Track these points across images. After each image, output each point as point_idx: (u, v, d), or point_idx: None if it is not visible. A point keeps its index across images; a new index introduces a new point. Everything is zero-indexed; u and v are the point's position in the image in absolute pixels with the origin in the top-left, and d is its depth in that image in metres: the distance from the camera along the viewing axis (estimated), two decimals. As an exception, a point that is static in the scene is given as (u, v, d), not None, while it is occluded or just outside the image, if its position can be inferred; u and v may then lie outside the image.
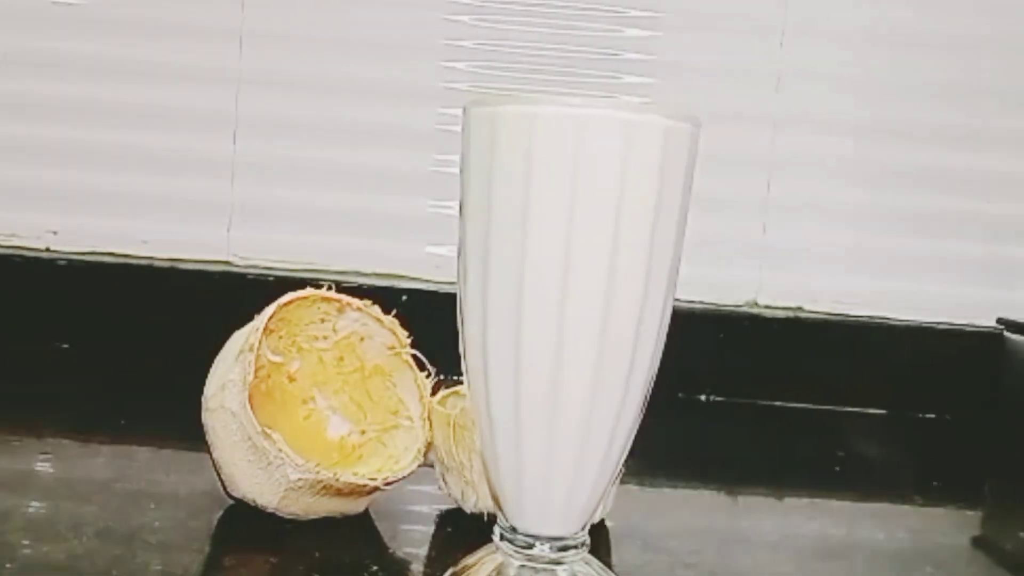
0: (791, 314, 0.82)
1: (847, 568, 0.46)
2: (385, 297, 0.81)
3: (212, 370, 0.44)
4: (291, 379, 0.47)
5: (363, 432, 0.48)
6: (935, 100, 0.82)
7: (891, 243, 0.82)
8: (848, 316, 0.82)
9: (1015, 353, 0.78)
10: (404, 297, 0.81)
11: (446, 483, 0.45)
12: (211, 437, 0.43)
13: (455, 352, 0.81)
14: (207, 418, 0.43)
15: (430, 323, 0.81)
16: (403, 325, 0.80)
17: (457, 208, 0.34)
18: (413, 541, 0.44)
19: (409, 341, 0.47)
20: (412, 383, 0.47)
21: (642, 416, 0.34)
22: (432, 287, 0.81)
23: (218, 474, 0.43)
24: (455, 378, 0.82)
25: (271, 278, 0.81)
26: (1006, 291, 0.81)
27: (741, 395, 0.81)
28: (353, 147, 0.81)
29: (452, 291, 0.80)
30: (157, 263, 0.81)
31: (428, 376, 0.47)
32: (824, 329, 0.82)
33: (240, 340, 0.43)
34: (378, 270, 0.82)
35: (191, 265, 0.82)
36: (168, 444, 0.54)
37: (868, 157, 0.82)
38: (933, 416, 0.81)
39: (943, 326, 0.82)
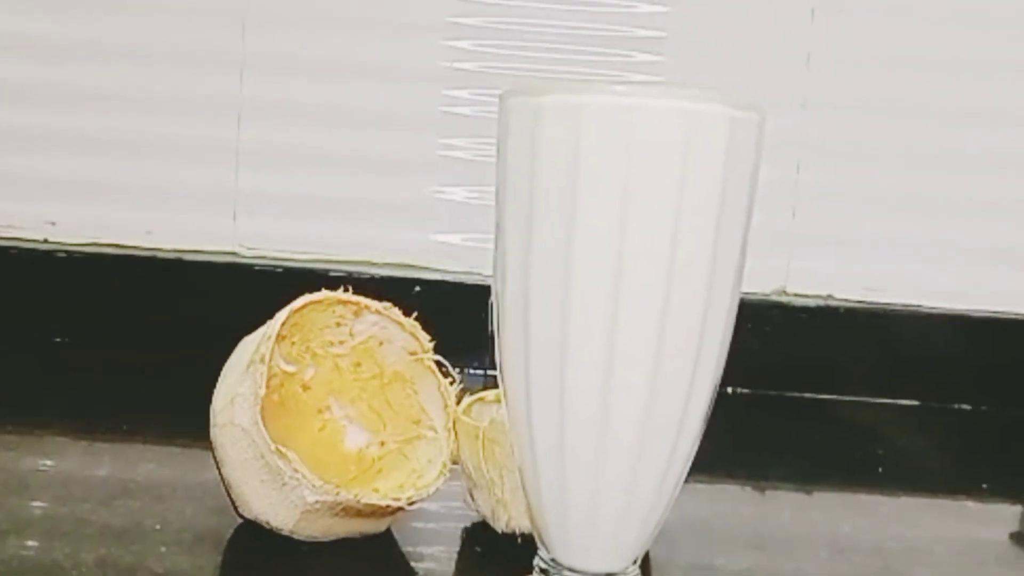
0: (821, 302, 0.79)
1: (879, 566, 0.45)
2: (398, 289, 0.80)
3: (220, 381, 0.41)
4: (305, 388, 0.44)
5: (383, 443, 0.44)
6: (973, 77, 0.78)
7: (925, 227, 0.78)
8: (879, 304, 0.79)
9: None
10: (417, 288, 0.77)
11: (474, 499, 0.42)
12: (220, 454, 0.39)
13: (471, 344, 0.78)
14: (216, 434, 0.39)
15: (444, 315, 0.78)
16: (417, 318, 0.78)
17: (493, 206, 0.31)
18: (440, 563, 0.40)
19: (432, 345, 0.44)
20: (435, 390, 0.44)
21: (701, 437, 0.31)
22: (446, 277, 0.78)
23: (228, 493, 0.40)
24: (473, 371, 0.80)
25: (279, 269, 0.78)
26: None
27: (769, 387, 0.78)
28: (359, 131, 0.78)
29: (465, 281, 0.79)
30: (161, 255, 0.78)
31: (452, 383, 0.44)
32: (854, 317, 0.79)
33: (250, 349, 0.40)
34: (389, 259, 0.79)
35: (196, 256, 0.78)
36: (173, 456, 0.51)
37: (902, 139, 0.78)
38: (968, 407, 0.77)
39: (979, 314, 0.78)
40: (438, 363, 0.44)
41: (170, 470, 0.48)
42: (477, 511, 0.42)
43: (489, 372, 0.79)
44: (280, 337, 0.41)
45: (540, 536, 0.31)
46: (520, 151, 0.29)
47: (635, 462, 0.29)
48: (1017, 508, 0.61)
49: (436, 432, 0.43)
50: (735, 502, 0.53)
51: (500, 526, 0.41)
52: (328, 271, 0.78)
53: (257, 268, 0.78)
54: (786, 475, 0.59)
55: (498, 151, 0.30)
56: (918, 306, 0.78)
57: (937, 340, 0.78)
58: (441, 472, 0.41)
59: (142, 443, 0.53)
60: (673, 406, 0.29)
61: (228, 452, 0.39)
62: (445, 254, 0.79)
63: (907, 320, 0.78)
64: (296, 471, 0.37)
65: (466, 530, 0.43)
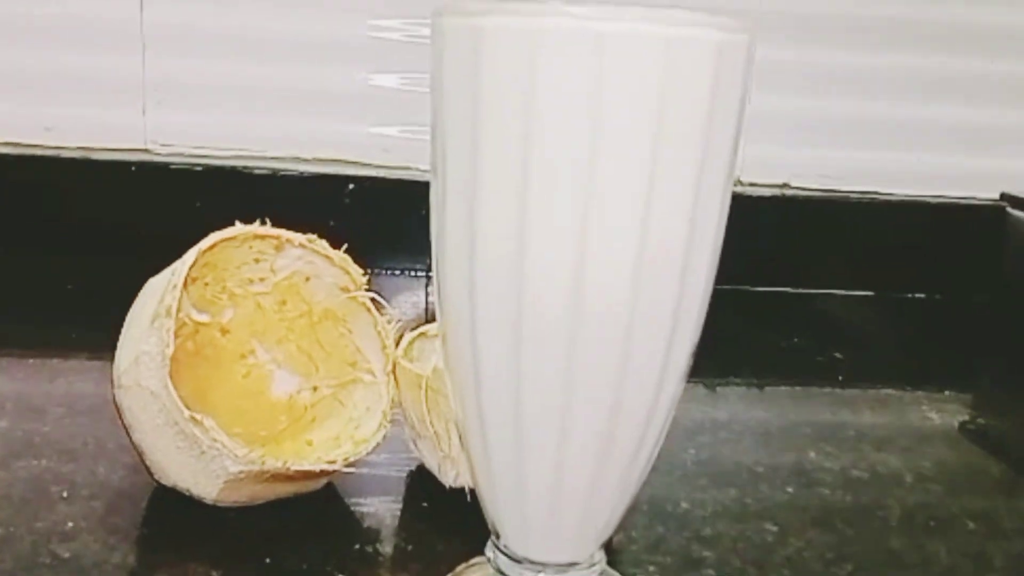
0: (776, 191, 0.75)
1: (830, 453, 0.45)
2: (329, 187, 0.74)
3: (123, 334, 0.36)
4: (224, 332, 0.39)
5: (315, 389, 0.40)
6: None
7: (883, 109, 0.74)
8: (837, 192, 0.76)
9: (1018, 230, 0.72)
10: (351, 186, 0.72)
11: (419, 448, 0.38)
12: (127, 418, 0.35)
13: (410, 246, 0.73)
14: (120, 396, 0.35)
15: (379, 215, 0.73)
16: (349, 218, 0.73)
17: (429, 135, 0.26)
18: (383, 522, 0.37)
19: (365, 280, 0.39)
20: (371, 329, 0.39)
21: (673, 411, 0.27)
22: (381, 173, 0.72)
23: (141, 459, 0.35)
24: (414, 274, 0.75)
25: (198, 168, 0.71)
26: (1012, 160, 0.75)
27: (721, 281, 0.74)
28: (283, 12, 0.70)
29: (404, 177, 0.73)
30: (65, 153, 0.71)
31: (390, 321, 0.39)
32: (810, 206, 0.75)
33: (154, 298, 0.35)
34: (319, 155, 0.73)
35: (103, 155, 0.71)
36: (82, 400, 0.46)
37: (858, 13, 0.73)
38: (923, 296, 0.75)
39: (940, 200, 0.75)
40: (373, 300, 0.39)
41: (81, 420, 0.43)
42: (422, 461, 0.38)
43: (429, 274, 0.74)
44: (190, 280, 0.36)
45: (492, 524, 0.28)
46: (460, 85, 0.23)
47: (603, 449, 0.25)
48: (970, 396, 0.61)
49: (374, 376, 0.39)
50: (687, 399, 0.51)
51: (448, 480, 0.37)
52: (251, 169, 0.72)
53: (172, 167, 0.71)
54: (739, 370, 0.57)
55: (432, 80, 0.25)
56: (876, 193, 0.75)
57: (896, 229, 0.75)
58: (381, 424, 0.37)
59: (48, 380, 0.48)
60: (646, 386, 0.25)
61: (137, 416, 0.34)
62: (382, 148, 0.73)
63: (865, 208, 0.75)
64: (215, 440, 0.33)
65: (411, 482, 0.40)
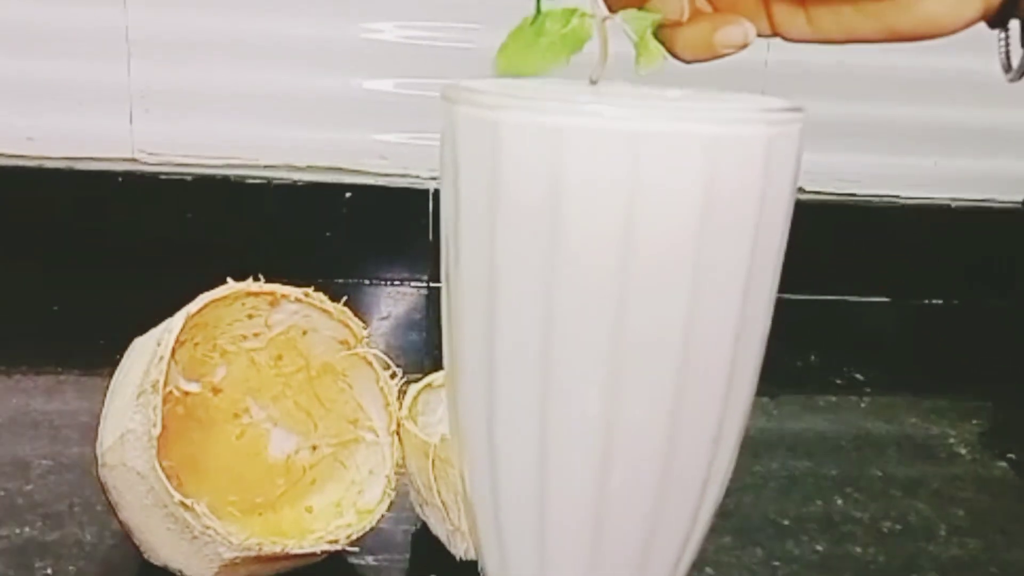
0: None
1: (846, 461, 0.46)
2: (325, 196, 0.71)
3: (106, 403, 0.33)
4: (216, 391, 0.37)
5: (314, 448, 0.38)
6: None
7: (900, 112, 0.71)
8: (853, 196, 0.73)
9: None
10: (348, 195, 0.69)
11: (425, 514, 0.36)
12: (114, 497, 0.32)
13: (411, 256, 0.71)
14: (105, 475, 0.32)
15: (378, 224, 0.71)
16: (347, 228, 0.70)
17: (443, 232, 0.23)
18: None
19: (367, 334, 0.37)
20: (373, 385, 0.37)
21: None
22: (379, 181, 0.69)
23: (130, 537, 0.33)
24: (415, 284, 0.73)
25: (188, 178, 0.68)
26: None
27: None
28: (273, 14, 0.67)
29: (404, 185, 0.70)
30: (49, 164, 0.68)
31: (393, 376, 0.37)
32: (824, 211, 0.72)
33: (140, 366, 0.32)
34: (314, 163, 0.70)
35: (89, 165, 0.68)
36: (67, 445, 0.43)
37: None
38: (940, 302, 0.73)
39: (959, 204, 0.73)
40: (377, 354, 0.37)
41: (64, 472, 0.41)
42: (428, 526, 0.36)
43: (432, 284, 0.72)
44: (178, 343, 0.33)
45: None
46: (476, 186, 0.21)
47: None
48: (988, 404, 0.59)
49: (377, 435, 0.37)
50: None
51: (458, 553, 0.35)
52: (244, 178, 0.69)
53: (162, 176, 0.68)
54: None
55: (443, 170, 0.22)
56: (895, 197, 0.73)
57: (913, 234, 0.73)
58: (385, 492, 0.35)
59: (31, 425, 0.45)
60: (680, 518, 0.23)
61: (123, 495, 0.32)
62: (377, 155, 0.70)
63: (881, 213, 0.73)
64: (208, 527, 0.30)
65: (416, 544, 0.37)
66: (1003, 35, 0.25)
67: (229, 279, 0.34)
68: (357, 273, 0.69)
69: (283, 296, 0.35)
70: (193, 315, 0.33)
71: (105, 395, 0.34)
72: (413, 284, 0.70)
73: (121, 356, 0.34)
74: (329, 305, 0.36)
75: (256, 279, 0.35)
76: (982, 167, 0.72)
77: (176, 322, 0.32)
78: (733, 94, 0.20)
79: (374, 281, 0.70)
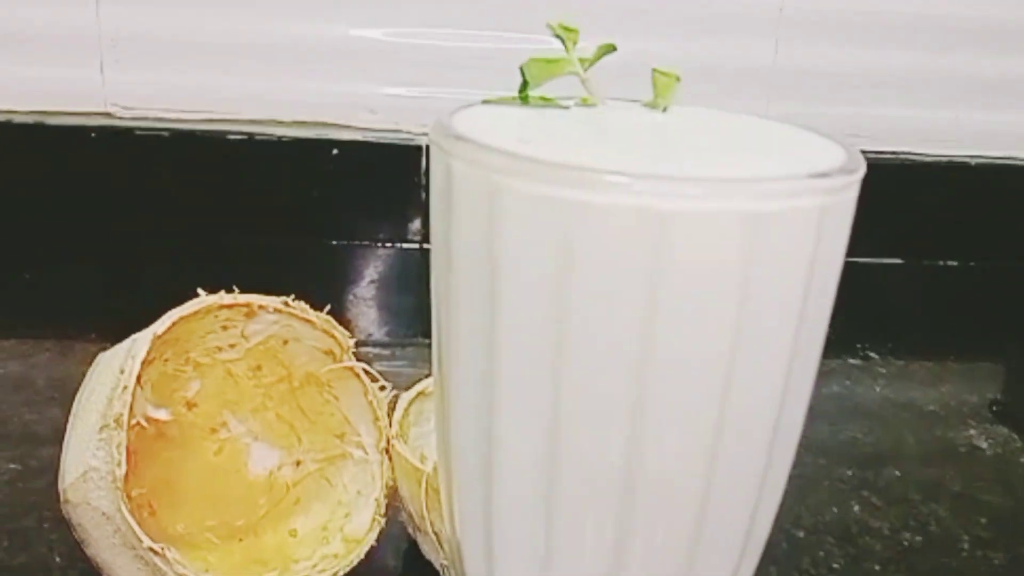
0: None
1: (862, 429, 0.45)
2: (311, 152, 0.67)
3: (68, 431, 0.30)
4: (191, 406, 0.34)
5: (298, 463, 0.35)
6: None
7: (916, 62, 0.67)
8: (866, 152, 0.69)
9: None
10: (335, 151, 0.65)
11: (418, 539, 0.34)
12: (80, 534, 0.30)
13: (401, 214, 0.67)
14: (69, 511, 0.29)
15: (367, 182, 0.67)
16: (333, 186, 0.66)
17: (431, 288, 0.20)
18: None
19: (352, 343, 0.34)
20: (361, 398, 0.34)
21: None
22: (367, 136, 0.65)
23: (98, 573, 0.31)
24: (407, 246, 0.69)
25: (165, 133, 0.64)
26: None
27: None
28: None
29: (393, 141, 0.67)
30: (17, 118, 0.64)
31: (383, 389, 0.34)
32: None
33: (101, 394, 0.29)
34: (299, 117, 0.66)
35: (59, 120, 0.64)
36: (37, 436, 0.41)
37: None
38: (955, 263, 0.70)
39: (976, 161, 0.69)
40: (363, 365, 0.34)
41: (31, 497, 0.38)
42: (421, 551, 0.34)
43: (424, 246, 0.69)
44: (146, 362, 0.30)
45: None
46: (473, 252, 0.18)
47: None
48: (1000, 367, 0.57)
49: (365, 452, 0.34)
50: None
51: (453, 583, 0.33)
52: (225, 133, 0.65)
53: (137, 132, 0.64)
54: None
55: (434, 219, 0.19)
56: (909, 153, 0.69)
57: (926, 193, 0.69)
58: (375, 519, 0.32)
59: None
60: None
61: (90, 533, 0.29)
62: (365, 108, 0.66)
63: (895, 171, 0.69)
64: (180, 575, 0.28)
65: (407, 568, 0.35)
66: None
67: (200, 291, 0.31)
68: (345, 234, 0.66)
69: (260, 307, 0.32)
70: (160, 335, 0.30)
71: (73, 400, 0.31)
72: (404, 246, 0.67)
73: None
74: (311, 314, 0.33)
75: (229, 291, 0.32)
76: (1005, 121, 0.69)
77: (140, 346, 0.29)
78: (779, 140, 0.17)
79: (364, 242, 0.66)
